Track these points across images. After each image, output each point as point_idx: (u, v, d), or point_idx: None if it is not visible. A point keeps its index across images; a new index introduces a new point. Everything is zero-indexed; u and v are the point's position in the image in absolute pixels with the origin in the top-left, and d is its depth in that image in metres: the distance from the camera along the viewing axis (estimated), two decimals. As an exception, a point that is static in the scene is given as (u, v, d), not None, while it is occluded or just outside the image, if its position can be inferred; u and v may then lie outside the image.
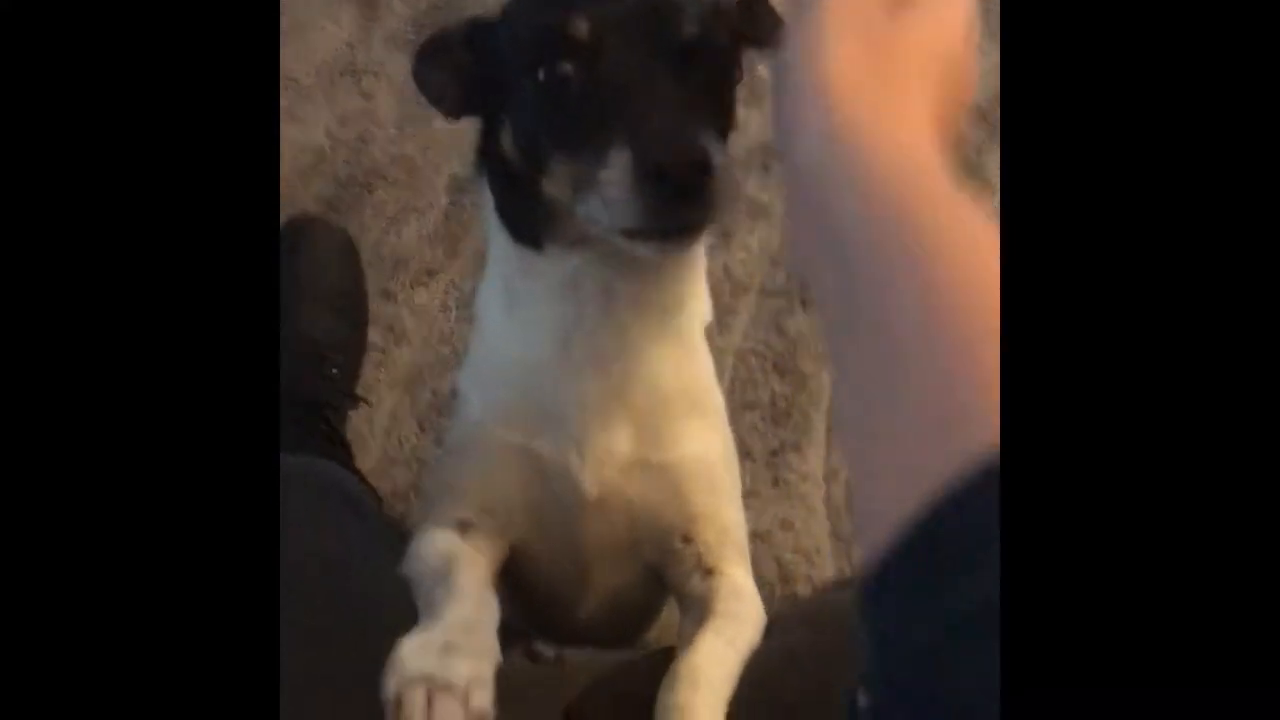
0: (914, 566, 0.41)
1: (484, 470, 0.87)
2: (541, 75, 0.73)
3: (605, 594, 0.93)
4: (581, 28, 0.71)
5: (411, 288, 1.55)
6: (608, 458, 0.85)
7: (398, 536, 0.91)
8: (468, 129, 0.89)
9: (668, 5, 0.74)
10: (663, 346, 0.85)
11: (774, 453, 1.44)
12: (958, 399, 0.44)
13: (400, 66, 1.81)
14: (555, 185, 0.75)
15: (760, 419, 1.47)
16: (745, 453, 1.42)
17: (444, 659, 0.67)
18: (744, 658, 0.78)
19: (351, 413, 1.40)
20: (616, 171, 0.67)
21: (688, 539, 0.87)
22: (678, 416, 0.87)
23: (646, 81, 0.70)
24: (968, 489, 0.40)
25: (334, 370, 1.37)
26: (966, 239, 0.48)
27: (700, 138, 0.67)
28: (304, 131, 1.72)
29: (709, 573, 0.86)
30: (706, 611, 0.83)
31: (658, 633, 1.05)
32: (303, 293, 1.40)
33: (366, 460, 1.39)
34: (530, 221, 0.82)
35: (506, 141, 0.80)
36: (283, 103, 1.76)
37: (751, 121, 1.53)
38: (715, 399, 0.93)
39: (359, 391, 1.44)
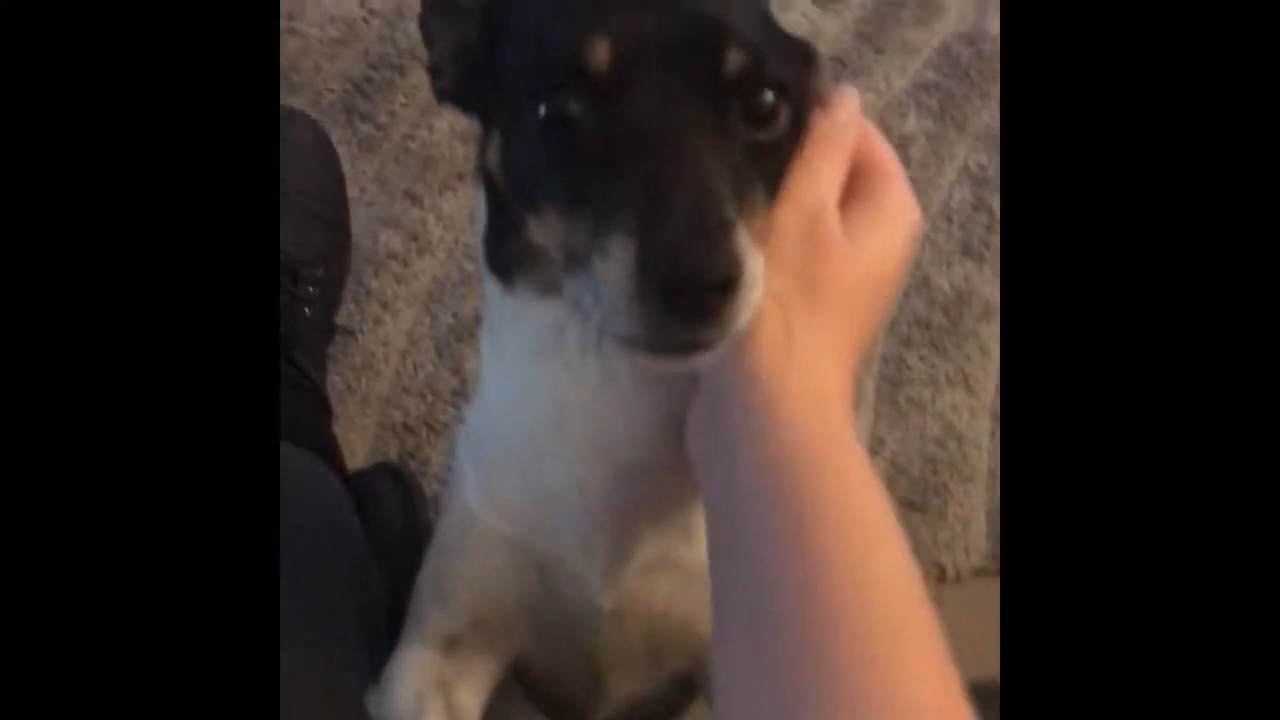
0: None
1: (476, 572, 0.74)
2: (543, 110, 0.56)
3: (624, 703, 0.82)
4: (601, 56, 0.54)
5: (440, 192, 1.41)
6: (624, 558, 0.70)
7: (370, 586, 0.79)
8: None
9: (712, 24, 0.56)
10: (680, 416, 0.65)
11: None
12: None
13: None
14: (544, 235, 0.59)
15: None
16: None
17: None
18: None
19: (361, 336, 1.29)
20: (615, 268, 0.51)
21: None
22: None
23: (674, 137, 0.53)
24: None
25: (310, 289, 1.19)
26: (860, 554, 0.51)
27: (730, 238, 0.51)
28: (336, -2, 1.56)
29: None
30: None
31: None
32: None
33: (379, 385, 1.28)
34: (504, 249, 0.66)
35: (493, 158, 0.63)
36: (315, -38, 1.59)
37: None
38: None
39: (343, 320, 1.27)
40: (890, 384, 1.35)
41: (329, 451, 1.09)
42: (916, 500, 1.28)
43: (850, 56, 1.61)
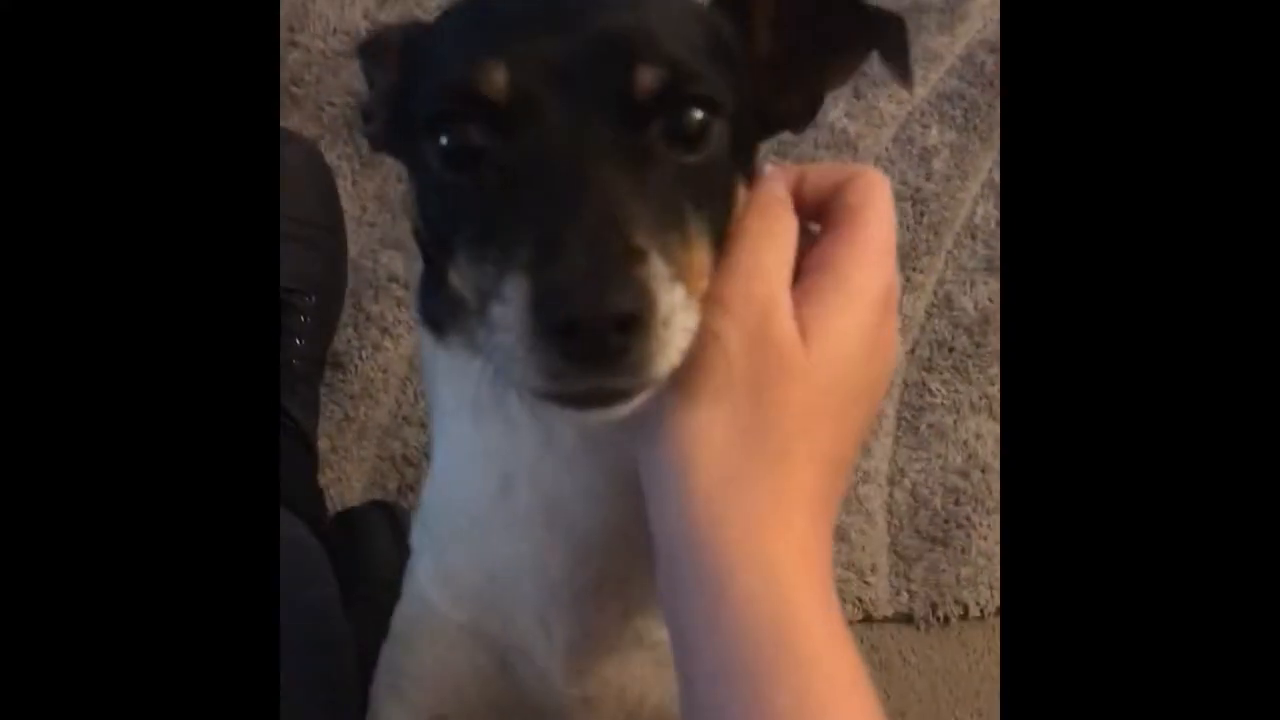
0: None
1: (432, 666, 0.69)
2: (444, 140, 0.52)
3: None
4: (498, 82, 0.50)
5: (444, 210, 1.37)
6: (589, 640, 0.65)
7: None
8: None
9: (620, 42, 0.51)
10: (635, 481, 0.57)
11: (834, 444, 1.28)
12: None
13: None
14: (460, 282, 0.54)
15: (823, 402, 1.30)
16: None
17: None
18: None
19: (359, 363, 1.24)
20: (510, 311, 0.46)
21: None
22: None
23: (577, 164, 0.49)
24: None
25: (303, 318, 1.14)
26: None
27: (634, 270, 0.46)
28: (338, 9, 1.51)
29: None
30: None
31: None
32: None
33: (378, 415, 1.24)
34: (435, 301, 0.60)
35: (410, 205, 0.59)
36: (317, -29, 1.55)
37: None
38: None
39: (342, 346, 1.22)
40: (911, 410, 1.29)
41: (311, 502, 1.04)
42: (938, 534, 1.22)
43: (870, 64, 1.55)
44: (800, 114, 0.61)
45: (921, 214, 1.44)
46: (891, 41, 0.58)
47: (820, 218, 0.57)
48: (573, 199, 0.47)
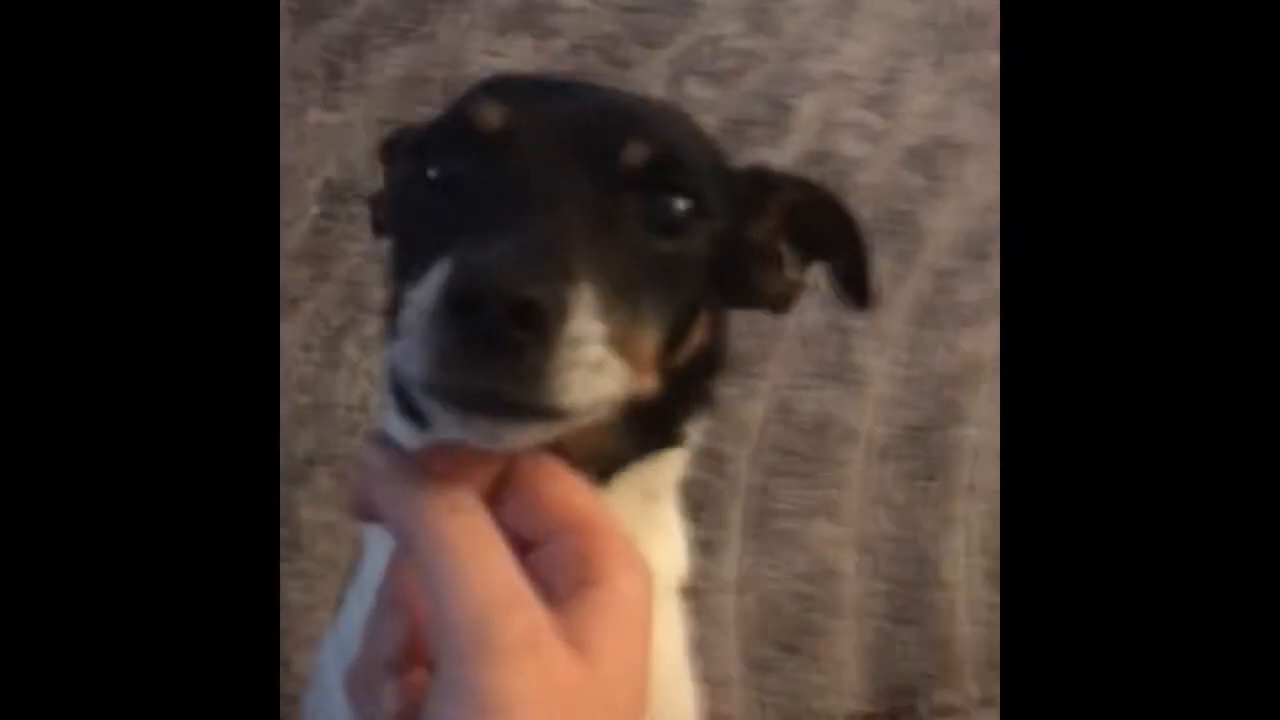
0: None
1: None
2: (433, 172, 0.53)
3: None
4: (491, 117, 0.52)
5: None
6: None
7: None
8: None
9: (618, 116, 0.52)
10: None
11: (683, 554, 1.27)
12: None
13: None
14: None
15: (670, 511, 1.29)
16: (652, 554, 1.25)
17: None
18: None
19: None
20: (423, 290, 0.44)
21: None
22: None
23: (541, 193, 0.48)
24: None
25: None
26: None
27: (557, 278, 0.43)
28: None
29: None
30: None
31: None
32: None
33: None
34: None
35: (389, 265, 0.57)
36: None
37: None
38: (685, 692, 0.68)
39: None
40: (756, 516, 1.30)
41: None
42: (791, 642, 1.22)
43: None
44: (781, 300, 0.65)
45: (752, 321, 1.47)
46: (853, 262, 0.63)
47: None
48: (528, 214, 0.46)
